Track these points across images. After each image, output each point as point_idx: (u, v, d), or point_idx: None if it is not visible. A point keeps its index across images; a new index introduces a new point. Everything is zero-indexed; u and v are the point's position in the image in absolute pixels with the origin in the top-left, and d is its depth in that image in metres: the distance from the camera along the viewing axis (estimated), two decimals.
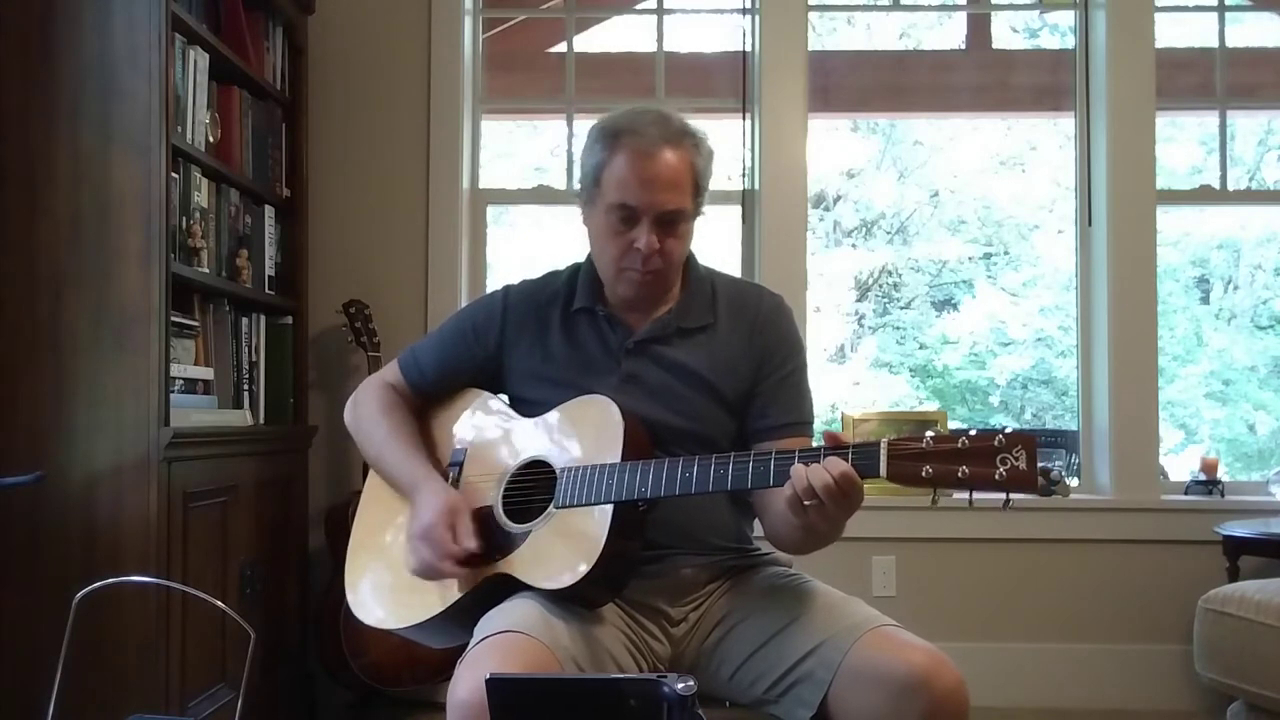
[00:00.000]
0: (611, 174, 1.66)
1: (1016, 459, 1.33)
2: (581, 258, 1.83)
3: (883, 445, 1.39)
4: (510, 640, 1.44)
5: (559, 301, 1.79)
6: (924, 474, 1.36)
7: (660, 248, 1.66)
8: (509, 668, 1.38)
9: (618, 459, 1.57)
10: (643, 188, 1.64)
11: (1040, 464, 1.34)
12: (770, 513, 1.64)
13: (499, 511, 1.66)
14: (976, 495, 1.36)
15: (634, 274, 1.68)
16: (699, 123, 1.72)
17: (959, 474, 1.34)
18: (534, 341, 1.77)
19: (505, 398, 1.83)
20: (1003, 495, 1.34)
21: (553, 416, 1.69)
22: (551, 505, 1.61)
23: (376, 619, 1.71)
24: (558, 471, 1.62)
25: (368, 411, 1.84)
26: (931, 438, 1.37)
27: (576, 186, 1.79)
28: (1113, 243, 3.53)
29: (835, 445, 1.42)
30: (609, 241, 1.69)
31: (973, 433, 1.36)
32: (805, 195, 3.58)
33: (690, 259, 1.79)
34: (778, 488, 1.46)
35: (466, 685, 1.38)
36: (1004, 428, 1.36)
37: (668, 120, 1.68)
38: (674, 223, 1.67)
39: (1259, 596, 2.68)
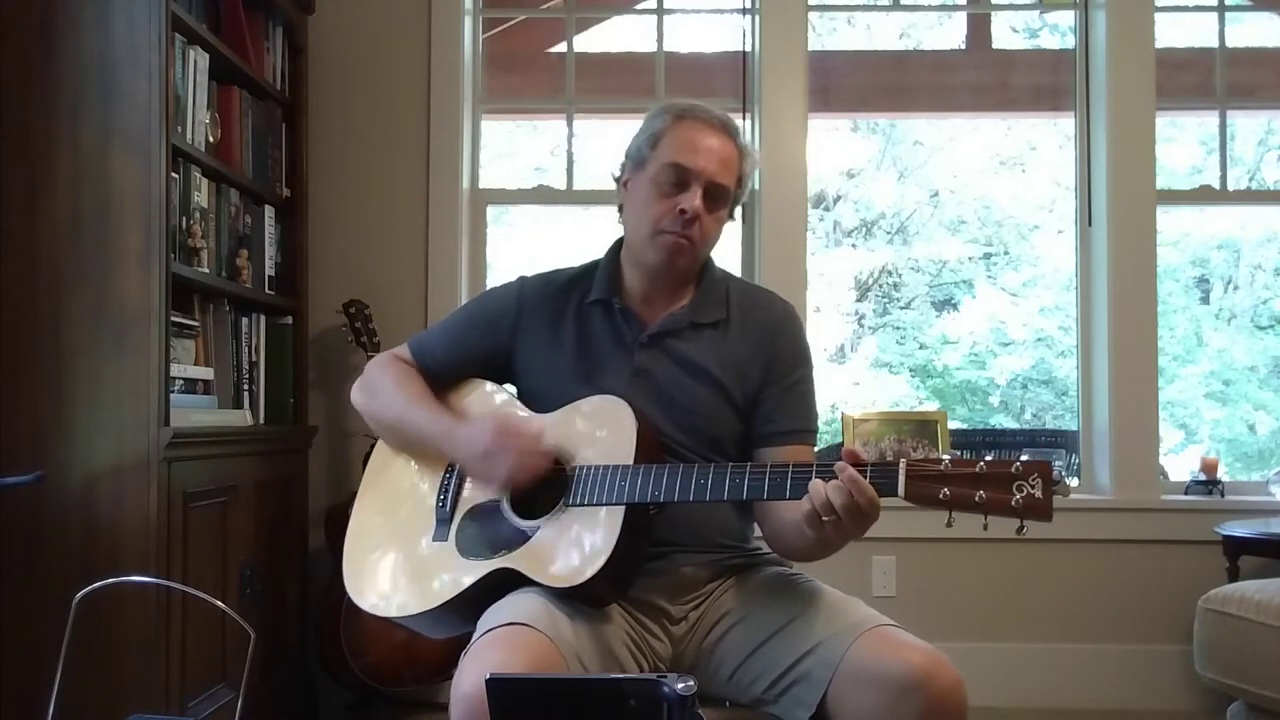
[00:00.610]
0: (672, 138, 1.72)
1: (1033, 487, 1.36)
2: (587, 257, 1.85)
3: (902, 466, 1.41)
4: (515, 633, 1.44)
5: (574, 294, 1.80)
6: (941, 496, 1.39)
7: (699, 219, 1.69)
8: (513, 661, 1.38)
9: (630, 461, 1.57)
10: (700, 154, 1.70)
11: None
12: (777, 521, 1.64)
13: (506, 506, 1.66)
14: (990, 520, 1.39)
15: (669, 237, 1.70)
16: None
17: (976, 498, 1.37)
18: (547, 332, 1.78)
19: (512, 389, 1.83)
20: (1016, 521, 1.37)
21: (564, 414, 1.69)
22: (562, 502, 1.61)
23: (377, 608, 1.69)
24: (569, 470, 1.62)
25: (385, 380, 1.81)
26: (950, 461, 1.40)
27: (617, 172, 1.81)
28: (1113, 243, 3.53)
29: (854, 463, 1.43)
30: (653, 204, 1.71)
31: (990, 458, 1.39)
32: (805, 195, 3.58)
33: (709, 260, 1.82)
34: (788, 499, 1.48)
35: (470, 678, 1.38)
36: (1021, 455, 1.41)
37: (730, 118, 1.78)
38: (717, 201, 1.72)
39: (1259, 596, 2.68)
